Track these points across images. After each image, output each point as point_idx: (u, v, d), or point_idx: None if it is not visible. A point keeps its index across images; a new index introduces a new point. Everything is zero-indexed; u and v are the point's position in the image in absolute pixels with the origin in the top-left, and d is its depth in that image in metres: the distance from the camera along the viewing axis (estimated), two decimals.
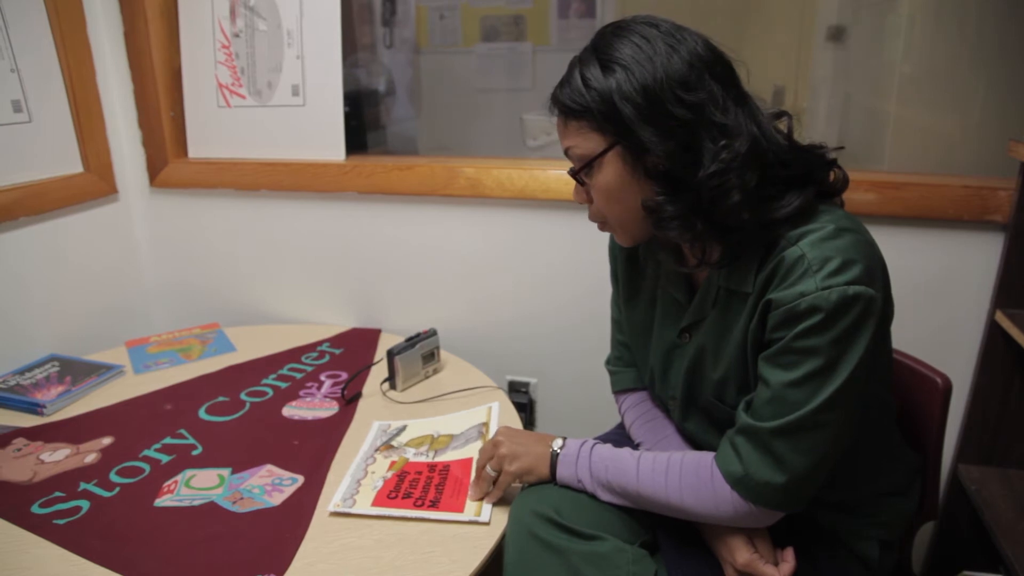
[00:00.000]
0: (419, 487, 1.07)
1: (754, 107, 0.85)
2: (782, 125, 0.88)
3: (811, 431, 0.82)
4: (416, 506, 1.03)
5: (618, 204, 0.89)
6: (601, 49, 0.85)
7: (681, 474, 0.89)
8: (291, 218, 1.70)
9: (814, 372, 0.80)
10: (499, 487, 1.01)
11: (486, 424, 1.19)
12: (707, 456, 0.90)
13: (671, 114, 0.81)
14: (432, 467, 1.11)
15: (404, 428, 1.22)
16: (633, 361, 1.15)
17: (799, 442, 0.82)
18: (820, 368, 0.80)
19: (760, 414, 0.84)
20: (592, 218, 0.95)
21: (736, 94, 0.84)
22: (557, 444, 0.99)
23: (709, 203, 0.82)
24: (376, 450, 1.16)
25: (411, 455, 1.14)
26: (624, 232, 0.93)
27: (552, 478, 0.98)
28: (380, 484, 1.08)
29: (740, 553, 0.90)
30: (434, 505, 1.03)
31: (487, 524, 0.99)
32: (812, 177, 0.87)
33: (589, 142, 0.86)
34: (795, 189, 0.84)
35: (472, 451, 1.13)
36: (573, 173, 0.90)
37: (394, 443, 1.18)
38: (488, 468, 1.01)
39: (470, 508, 1.02)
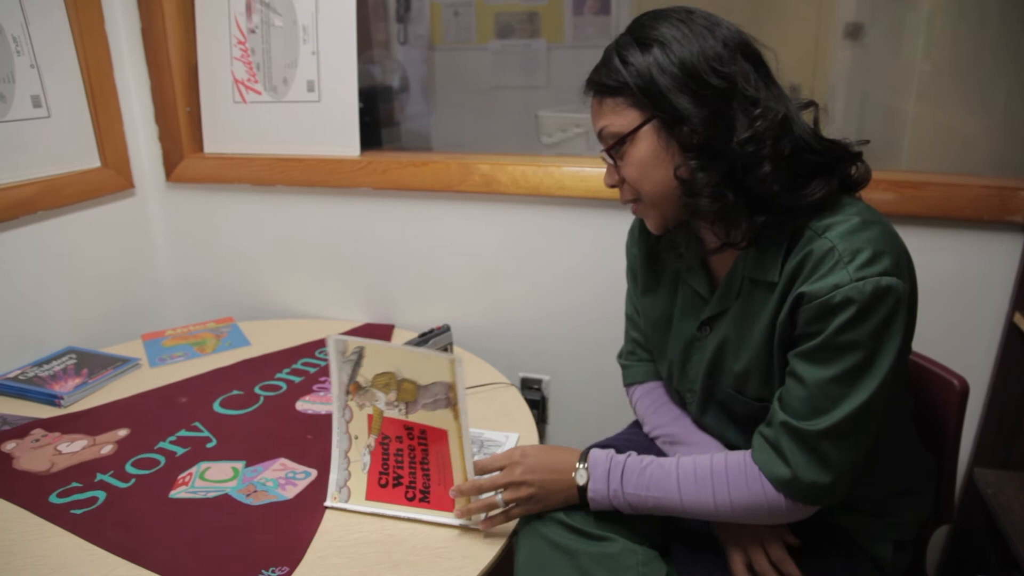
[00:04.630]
0: (405, 466, 1.03)
1: (783, 93, 0.87)
2: (807, 117, 0.89)
3: (856, 429, 0.82)
4: (408, 499, 1.02)
5: (652, 178, 0.89)
6: (638, 32, 0.88)
7: (728, 481, 0.88)
8: (306, 213, 1.71)
9: (854, 367, 0.81)
10: (508, 518, 0.97)
11: (452, 388, 1.05)
12: (747, 459, 0.89)
13: (707, 83, 0.83)
14: (410, 431, 1.05)
15: (362, 355, 1.11)
16: (645, 356, 1.15)
17: (845, 441, 0.83)
18: (860, 363, 0.80)
19: (800, 412, 0.84)
20: (624, 198, 0.95)
21: (766, 77, 0.87)
22: (581, 478, 0.93)
23: (742, 172, 0.83)
24: (347, 394, 1.10)
25: (383, 405, 1.08)
26: (656, 211, 0.93)
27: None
28: (368, 460, 1.05)
29: (775, 550, 0.92)
30: (425, 498, 1.01)
31: (478, 529, 0.98)
32: (836, 168, 0.87)
33: (624, 118, 0.88)
34: (820, 178, 0.85)
35: (442, 419, 1.03)
36: (607, 150, 0.91)
37: (360, 381, 1.10)
38: (499, 498, 0.96)
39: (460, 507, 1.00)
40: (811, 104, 0.89)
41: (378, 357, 1.12)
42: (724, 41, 0.84)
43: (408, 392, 1.10)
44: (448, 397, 1.07)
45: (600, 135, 0.92)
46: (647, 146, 0.87)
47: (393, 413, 1.07)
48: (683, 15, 0.86)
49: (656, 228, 0.96)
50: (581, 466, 0.94)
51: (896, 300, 0.79)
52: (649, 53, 0.85)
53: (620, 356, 1.20)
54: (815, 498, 0.86)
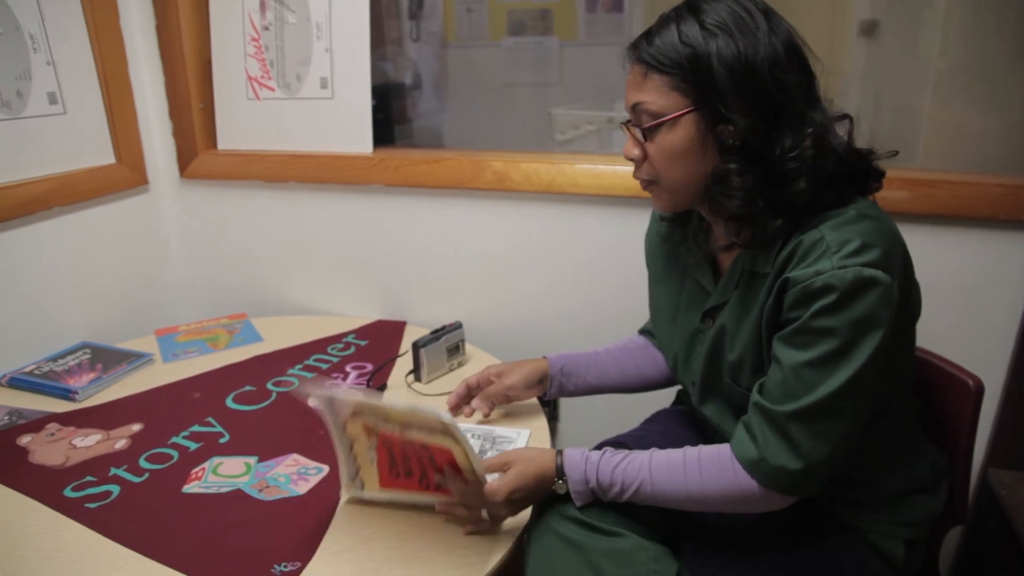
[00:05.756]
0: (413, 460, 0.97)
1: (823, 107, 0.86)
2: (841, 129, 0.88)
3: (827, 418, 0.82)
4: (422, 487, 0.98)
5: (678, 168, 0.87)
6: (699, 9, 0.83)
7: (701, 469, 0.89)
8: (318, 210, 1.71)
9: (829, 354, 0.80)
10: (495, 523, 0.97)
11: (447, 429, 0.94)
12: (723, 447, 0.90)
13: (764, 88, 0.80)
14: (410, 442, 0.97)
15: (355, 411, 1.00)
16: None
17: (815, 428, 0.82)
18: (836, 350, 0.80)
19: (773, 395, 0.84)
20: (641, 175, 0.93)
21: (813, 90, 0.85)
22: (561, 489, 0.94)
23: (776, 181, 0.82)
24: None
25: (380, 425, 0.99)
26: (670, 196, 0.92)
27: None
28: (374, 456, 1.00)
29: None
30: (440, 488, 0.97)
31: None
32: (857, 179, 0.88)
33: (666, 100, 0.84)
34: (840, 186, 0.85)
35: (441, 441, 0.94)
36: (642, 129, 0.87)
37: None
38: (484, 514, 0.96)
39: None
40: (846, 117, 0.87)
41: (370, 412, 1.00)
42: (785, 44, 0.82)
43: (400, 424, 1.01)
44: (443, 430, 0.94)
45: (633, 108, 0.88)
46: (683, 136, 0.85)
47: (390, 428, 0.98)
48: (746, 3, 0.83)
49: (663, 209, 0.96)
50: (559, 480, 0.94)
51: (880, 292, 0.78)
52: (713, 39, 0.81)
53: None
54: (784, 485, 0.85)
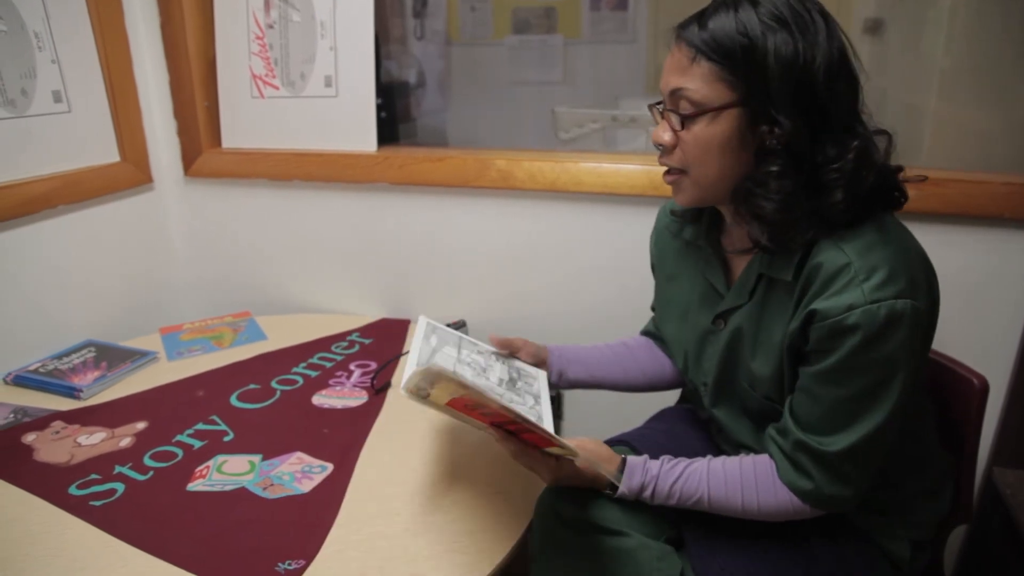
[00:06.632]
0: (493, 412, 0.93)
1: (864, 120, 0.84)
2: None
3: (873, 448, 0.83)
4: (486, 420, 0.92)
5: (711, 162, 0.84)
6: (757, 0, 0.80)
7: (757, 489, 0.89)
8: (323, 208, 1.71)
9: (869, 388, 0.80)
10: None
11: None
12: (774, 468, 0.90)
13: (815, 93, 0.78)
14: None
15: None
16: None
17: (863, 460, 0.84)
18: (875, 384, 0.80)
19: (816, 429, 0.84)
20: (670, 162, 0.89)
21: (857, 102, 0.84)
22: (612, 489, 0.93)
23: (815, 192, 0.80)
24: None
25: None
26: (696, 190, 0.88)
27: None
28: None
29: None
30: (503, 426, 0.92)
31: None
32: (885, 195, 0.86)
33: (712, 90, 0.81)
34: (868, 200, 0.83)
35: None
36: (680, 116, 0.84)
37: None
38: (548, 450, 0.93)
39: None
40: (883, 132, 0.85)
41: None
42: (840, 51, 0.80)
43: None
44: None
45: (672, 93, 0.84)
46: (724, 130, 0.81)
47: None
48: (807, 0, 0.80)
49: (685, 203, 0.92)
50: (616, 483, 0.93)
51: (910, 322, 0.77)
52: (772, 34, 0.77)
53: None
54: (835, 505, 0.87)
